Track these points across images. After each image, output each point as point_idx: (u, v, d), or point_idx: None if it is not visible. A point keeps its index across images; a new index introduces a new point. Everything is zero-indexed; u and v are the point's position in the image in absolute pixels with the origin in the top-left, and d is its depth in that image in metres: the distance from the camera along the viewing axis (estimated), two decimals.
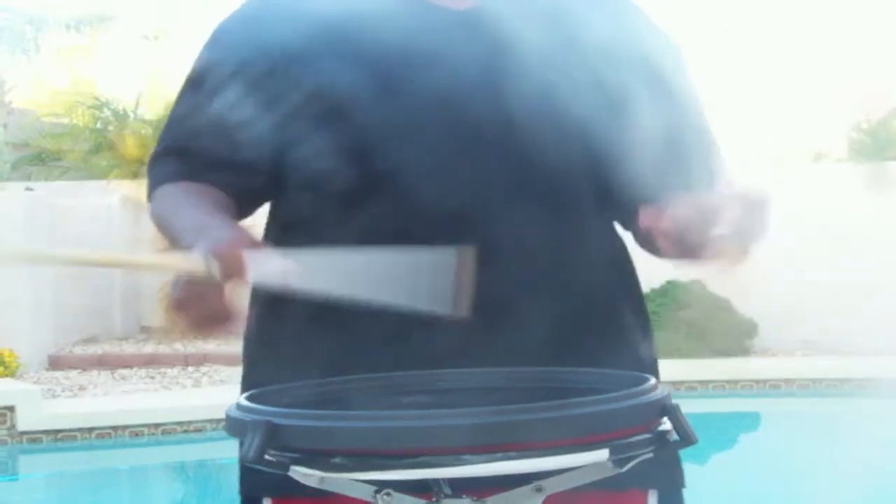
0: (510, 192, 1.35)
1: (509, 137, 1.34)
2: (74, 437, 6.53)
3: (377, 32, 1.35)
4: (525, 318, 1.37)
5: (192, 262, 1.15)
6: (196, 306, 1.17)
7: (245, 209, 1.42)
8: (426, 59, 1.35)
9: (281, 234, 1.41)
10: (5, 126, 11.57)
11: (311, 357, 1.33)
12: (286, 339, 1.38)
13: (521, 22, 1.37)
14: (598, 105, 1.34)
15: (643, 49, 1.40)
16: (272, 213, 1.47)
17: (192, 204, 1.36)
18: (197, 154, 1.40)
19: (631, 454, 1.01)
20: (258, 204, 1.46)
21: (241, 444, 1.00)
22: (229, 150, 1.37)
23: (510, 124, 1.34)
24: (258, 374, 1.40)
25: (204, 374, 8.23)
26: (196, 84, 1.43)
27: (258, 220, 1.52)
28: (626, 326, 1.45)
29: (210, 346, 8.87)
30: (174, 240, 1.31)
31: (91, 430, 6.55)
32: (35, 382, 7.64)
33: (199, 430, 6.25)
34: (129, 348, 9.31)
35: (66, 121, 11.63)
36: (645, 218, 1.19)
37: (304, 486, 1.28)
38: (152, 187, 1.45)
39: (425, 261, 1.22)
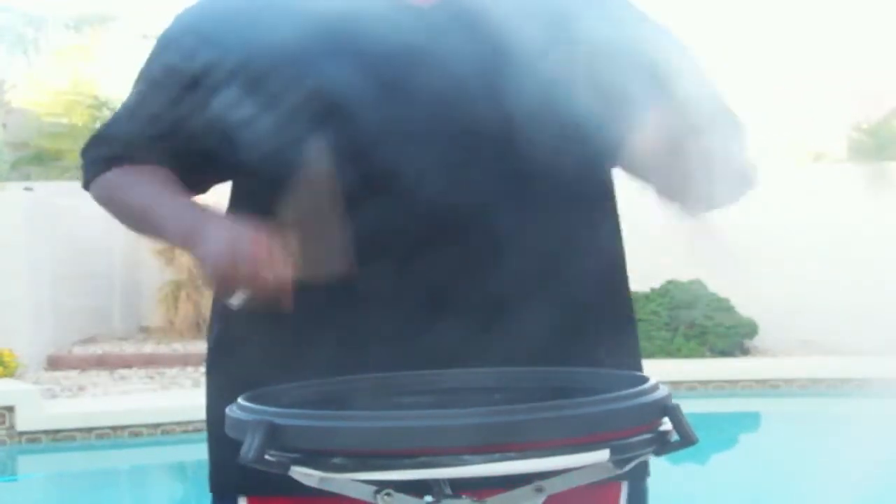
0: (507, 192, 1.35)
1: (493, 136, 1.33)
2: (74, 438, 6.52)
3: (339, 30, 1.34)
4: (523, 319, 1.37)
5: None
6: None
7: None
8: (391, 55, 1.34)
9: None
10: (5, 126, 11.57)
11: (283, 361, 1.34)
12: (264, 343, 1.38)
13: (490, 16, 1.36)
14: (592, 99, 1.31)
15: (630, 37, 1.38)
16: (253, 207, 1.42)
17: (168, 190, 1.38)
18: (152, 140, 1.41)
19: (632, 454, 1.01)
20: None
21: (242, 444, 1.00)
22: (185, 144, 1.38)
23: (488, 122, 1.33)
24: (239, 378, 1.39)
25: (203, 374, 8.21)
26: (152, 84, 1.43)
27: None
28: (617, 331, 1.46)
29: None
30: (152, 226, 1.36)
31: (91, 430, 6.54)
32: (34, 382, 7.63)
33: (199, 430, 6.22)
34: (128, 348, 9.31)
35: (65, 121, 11.63)
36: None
37: (278, 485, 1.29)
38: (101, 166, 1.46)
39: None
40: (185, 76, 1.37)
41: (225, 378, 1.44)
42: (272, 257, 1.22)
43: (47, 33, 14.15)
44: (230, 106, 1.32)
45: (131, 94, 1.47)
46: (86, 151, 1.49)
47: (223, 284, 1.23)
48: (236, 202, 1.44)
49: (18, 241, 8.48)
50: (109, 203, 1.46)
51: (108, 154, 1.45)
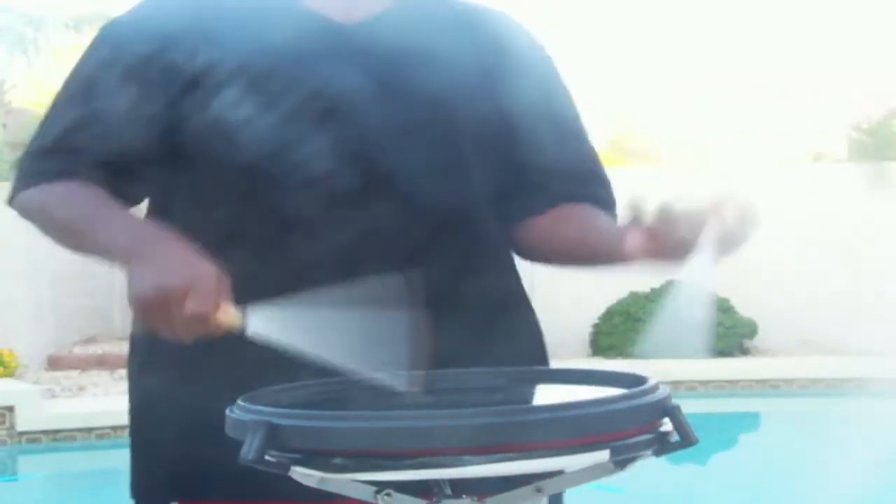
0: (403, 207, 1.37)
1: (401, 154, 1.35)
2: (74, 438, 6.52)
3: (261, 40, 1.36)
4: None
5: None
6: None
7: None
8: (307, 68, 1.36)
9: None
10: (5, 126, 11.57)
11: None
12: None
13: (410, 37, 1.39)
14: (491, 119, 1.38)
15: (527, 66, 1.45)
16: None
17: (110, 206, 1.34)
18: (85, 153, 1.37)
19: (632, 455, 1.01)
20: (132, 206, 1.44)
21: (242, 444, 1.00)
22: (120, 151, 1.36)
23: (398, 140, 1.35)
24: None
25: None
26: (86, 84, 1.41)
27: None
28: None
29: None
30: (98, 243, 1.31)
31: (90, 430, 6.54)
32: (35, 382, 7.63)
33: None
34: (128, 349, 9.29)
35: None
36: (632, 241, 1.22)
37: (210, 488, 1.29)
38: (29, 182, 1.40)
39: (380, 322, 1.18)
40: (129, 78, 1.36)
41: (152, 389, 1.43)
42: (206, 301, 1.16)
43: (47, 33, 14.14)
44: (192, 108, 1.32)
45: (70, 95, 1.43)
46: (26, 162, 1.43)
47: (147, 317, 1.18)
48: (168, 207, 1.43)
49: (18, 241, 8.47)
50: (38, 214, 1.40)
51: (55, 167, 1.39)
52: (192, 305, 1.14)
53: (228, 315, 1.16)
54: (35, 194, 1.39)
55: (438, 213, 1.35)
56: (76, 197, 1.36)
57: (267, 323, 1.16)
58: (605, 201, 1.48)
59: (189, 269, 1.18)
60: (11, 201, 1.43)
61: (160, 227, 1.29)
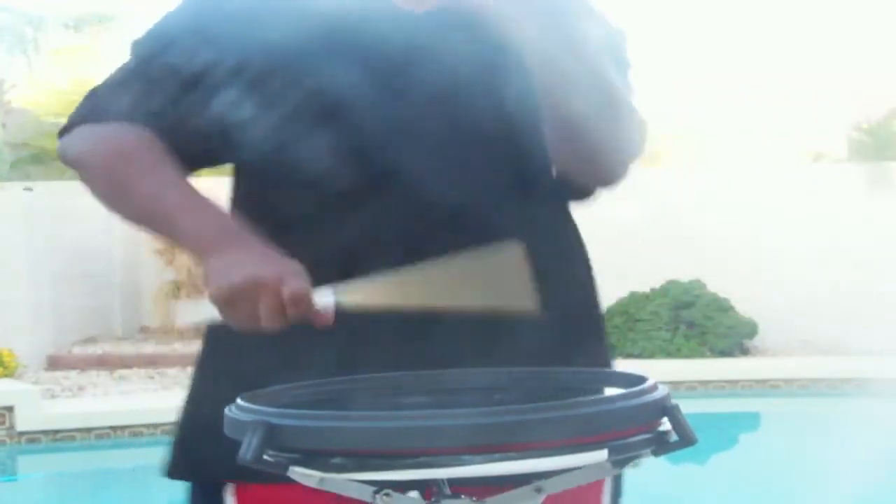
0: (503, 192, 1.37)
1: (484, 134, 1.35)
2: (73, 438, 6.52)
3: (332, 30, 1.35)
4: (521, 320, 1.38)
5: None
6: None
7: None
8: (384, 57, 1.35)
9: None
10: (4, 126, 11.59)
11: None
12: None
13: (481, 24, 1.37)
14: (580, 104, 1.33)
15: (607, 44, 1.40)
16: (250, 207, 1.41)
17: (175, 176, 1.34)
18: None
19: (630, 454, 1.01)
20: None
21: (240, 444, 1.00)
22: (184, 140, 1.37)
23: (484, 122, 1.35)
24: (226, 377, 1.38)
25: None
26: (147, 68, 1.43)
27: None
28: (595, 335, 1.53)
29: None
30: (160, 217, 1.31)
31: (90, 430, 6.54)
32: (34, 383, 7.63)
33: None
34: (128, 348, 9.31)
35: (65, 121, 11.63)
36: None
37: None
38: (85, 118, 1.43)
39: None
40: (184, 75, 1.37)
41: (221, 367, 1.43)
42: (304, 283, 1.19)
43: (47, 33, 14.16)
44: (228, 105, 1.32)
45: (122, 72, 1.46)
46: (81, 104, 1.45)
47: (233, 307, 1.20)
48: (237, 202, 1.44)
49: (18, 241, 8.48)
50: (94, 168, 1.42)
51: (105, 108, 1.42)
52: (291, 287, 1.18)
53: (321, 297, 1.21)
54: (102, 133, 1.44)
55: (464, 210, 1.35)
56: (148, 161, 1.35)
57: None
58: None
59: (277, 259, 1.22)
60: (67, 130, 1.47)
61: (235, 221, 1.30)
